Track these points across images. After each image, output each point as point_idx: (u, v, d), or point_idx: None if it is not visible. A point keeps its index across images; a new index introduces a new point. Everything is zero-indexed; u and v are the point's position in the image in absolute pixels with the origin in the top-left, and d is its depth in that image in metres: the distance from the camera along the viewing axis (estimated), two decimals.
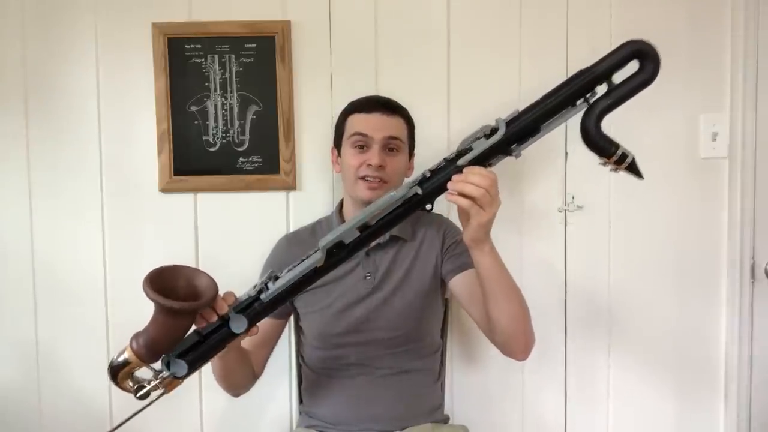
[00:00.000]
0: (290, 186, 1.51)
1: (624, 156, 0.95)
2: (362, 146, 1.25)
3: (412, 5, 1.51)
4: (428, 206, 0.98)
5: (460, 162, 0.96)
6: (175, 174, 1.50)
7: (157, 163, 1.50)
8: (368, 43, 1.51)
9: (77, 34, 1.49)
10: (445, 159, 0.99)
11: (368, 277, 1.25)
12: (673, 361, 1.58)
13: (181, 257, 1.51)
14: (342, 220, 1.32)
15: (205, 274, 0.97)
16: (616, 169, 0.97)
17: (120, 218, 1.52)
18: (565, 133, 1.52)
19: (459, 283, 1.25)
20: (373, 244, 1.25)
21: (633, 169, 0.96)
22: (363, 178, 1.23)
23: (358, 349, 1.25)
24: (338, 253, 0.97)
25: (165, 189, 1.50)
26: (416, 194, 0.96)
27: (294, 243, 1.35)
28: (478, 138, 0.97)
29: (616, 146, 0.95)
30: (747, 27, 1.48)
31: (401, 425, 1.24)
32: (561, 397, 1.58)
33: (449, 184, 0.95)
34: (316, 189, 1.53)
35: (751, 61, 1.49)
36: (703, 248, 1.56)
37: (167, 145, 1.49)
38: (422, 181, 0.97)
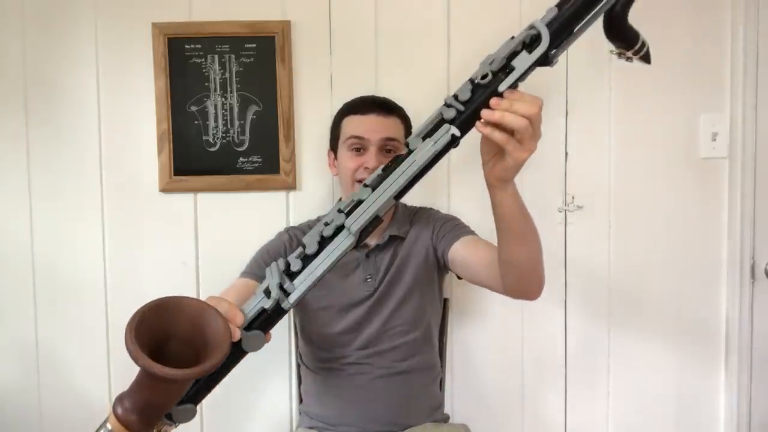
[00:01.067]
0: (290, 186, 1.51)
1: (643, 44, 0.83)
2: (359, 149, 1.24)
3: (412, 5, 1.51)
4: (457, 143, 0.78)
5: (502, 87, 0.75)
6: (175, 174, 1.50)
7: (157, 163, 1.50)
8: (368, 43, 1.51)
9: (77, 34, 1.49)
10: (471, 81, 0.77)
11: (369, 279, 1.25)
12: (673, 361, 1.57)
13: (181, 257, 1.52)
14: None
15: (217, 313, 0.66)
16: (629, 58, 0.84)
17: (120, 218, 1.52)
18: (565, 133, 1.52)
19: (459, 250, 1.20)
20: (373, 245, 1.25)
21: (646, 56, 0.84)
22: (360, 181, 1.22)
23: (357, 347, 1.25)
24: (368, 229, 0.78)
25: (165, 189, 1.50)
26: (453, 136, 0.76)
27: (298, 236, 1.33)
28: (516, 52, 0.75)
29: (638, 36, 0.83)
30: (747, 27, 1.48)
31: (401, 425, 1.24)
32: (561, 397, 1.58)
33: (486, 113, 0.75)
34: (316, 189, 1.53)
35: (751, 61, 1.49)
36: (703, 248, 1.56)
37: (167, 145, 1.49)
38: (456, 119, 0.76)
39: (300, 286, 0.73)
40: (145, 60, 1.48)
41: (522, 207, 0.93)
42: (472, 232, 1.25)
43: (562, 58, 1.57)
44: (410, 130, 1.33)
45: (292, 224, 1.51)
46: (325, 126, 1.46)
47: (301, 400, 1.40)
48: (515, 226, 0.94)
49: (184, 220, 1.52)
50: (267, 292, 0.72)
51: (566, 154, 1.53)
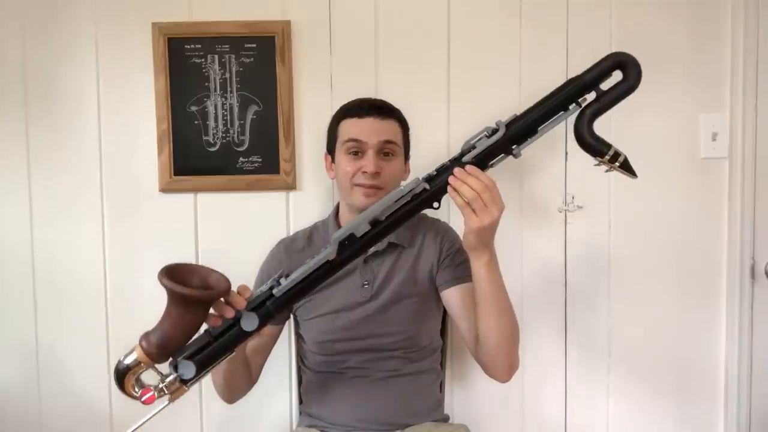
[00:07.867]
0: (290, 186, 1.51)
1: (617, 155, 1.00)
2: (356, 152, 1.22)
3: (412, 5, 1.51)
4: (435, 204, 1.00)
5: (464, 159, 0.99)
6: (175, 174, 1.50)
7: (157, 163, 1.50)
8: (368, 43, 1.51)
9: (77, 34, 1.49)
10: (450, 159, 1.01)
11: (366, 286, 1.24)
12: (672, 360, 1.58)
13: (181, 257, 1.52)
14: (338, 225, 1.30)
15: (218, 272, 0.94)
16: (610, 168, 1.02)
17: (120, 218, 1.52)
18: (565, 134, 1.51)
19: (451, 297, 1.24)
20: (371, 251, 1.24)
21: (626, 167, 1.02)
22: (359, 185, 1.21)
23: (356, 354, 1.24)
24: (350, 246, 0.97)
25: (165, 189, 1.50)
26: (424, 189, 0.99)
27: (291, 251, 1.32)
28: (480, 138, 1.00)
29: (608, 146, 1.00)
30: (747, 27, 1.48)
31: (401, 425, 1.24)
32: (561, 397, 1.58)
33: (450, 178, 0.97)
34: (316, 189, 1.53)
35: (751, 62, 1.49)
36: (703, 248, 1.56)
37: (167, 145, 1.49)
38: (430, 179, 1.00)
39: (290, 279, 0.96)
40: (145, 60, 1.48)
41: (496, 282, 1.06)
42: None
43: (562, 51, 1.58)
44: (407, 132, 1.31)
45: (291, 224, 1.51)
46: (324, 126, 1.46)
47: (301, 401, 1.40)
48: (488, 300, 1.07)
49: (184, 220, 1.52)
50: (266, 284, 0.98)
51: (566, 154, 1.53)
